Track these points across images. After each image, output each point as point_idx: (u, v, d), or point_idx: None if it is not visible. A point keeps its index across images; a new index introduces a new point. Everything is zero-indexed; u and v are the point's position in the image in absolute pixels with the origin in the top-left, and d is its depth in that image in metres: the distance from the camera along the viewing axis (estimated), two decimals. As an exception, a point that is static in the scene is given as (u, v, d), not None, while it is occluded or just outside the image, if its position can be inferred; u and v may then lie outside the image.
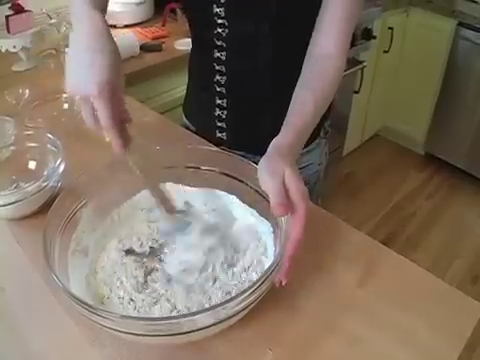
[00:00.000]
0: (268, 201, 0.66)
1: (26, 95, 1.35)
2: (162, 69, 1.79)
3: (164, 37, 1.96)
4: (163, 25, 2.07)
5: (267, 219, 0.75)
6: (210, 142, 1.08)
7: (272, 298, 0.66)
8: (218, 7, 0.96)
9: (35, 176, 0.92)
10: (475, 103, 3.01)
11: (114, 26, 1.99)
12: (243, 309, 0.56)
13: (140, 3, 2.03)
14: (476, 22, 2.86)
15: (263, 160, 0.71)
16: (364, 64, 2.64)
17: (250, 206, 0.79)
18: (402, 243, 2.57)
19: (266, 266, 0.67)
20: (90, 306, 0.54)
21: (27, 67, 1.62)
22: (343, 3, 0.86)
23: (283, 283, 0.65)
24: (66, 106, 1.23)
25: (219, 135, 1.15)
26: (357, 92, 2.75)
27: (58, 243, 0.67)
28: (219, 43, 1.02)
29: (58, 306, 0.71)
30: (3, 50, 1.59)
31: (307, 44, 0.90)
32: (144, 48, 1.82)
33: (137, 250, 0.75)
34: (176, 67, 1.80)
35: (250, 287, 0.55)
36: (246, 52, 1.03)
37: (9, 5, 1.64)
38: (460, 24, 2.92)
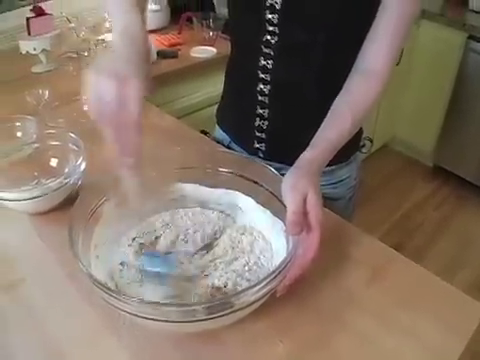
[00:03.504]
0: (282, 203, 0.70)
1: (46, 96, 1.39)
2: (178, 75, 1.83)
3: (180, 44, 2.00)
4: (179, 33, 2.11)
5: (280, 219, 0.77)
6: (246, 152, 1.10)
7: (282, 295, 0.69)
8: (271, 13, 0.93)
9: (56, 173, 0.96)
10: (484, 116, 3.03)
11: None
12: (261, 298, 0.60)
13: (157, 10, 2.07)
14: (486, 35, 2.88)
15: (290, 174, 0.74)
16: None
17: (264, 207, 0.82)
18: (409, 253, 2.51)
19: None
20: (113, 291, 0.58)
21: (46, 69, 1.66)
22: (397, 20, 0.85)
23: (277, 295, 0.68)
24: (86, 107, 1.26)
25: (257, 146, 1.11)
26: None
27: (81, 235, 0.70)
28: (267, 51, 0.98)
29: (77, 295, 0.75)
30: (23, 52, 1.64)
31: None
32: (161, 54, 1.86)
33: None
34: (192, 74, 1.85)
35: (269, 275, 0.59)
36: (295, 62, 0.99)
37: (30, 7, 1.68)
38: (470, 37, 2.94)
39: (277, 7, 0.91)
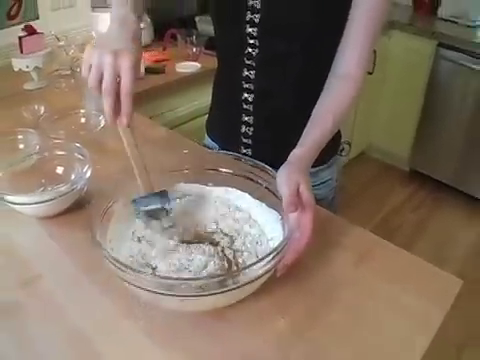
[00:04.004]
0: (277, 197, 0.80)
1: (41, 111, 1.46)
2: (165, 90, 1.91)
3: (165, 60, 2.09)
4: (164, 49, 2.20)
5: (275, 210, 0.86)
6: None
7: (281, 276, 0.77)
8: (251, 27, 1.02)
9: (62, 180, 1.02)
10: (456, 121, 3.15)
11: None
12: (265, 273, 0.68)
13: (142, 28, 2.15)
14: (455, 42, 3.01)
15: (283, 168, 0.84)
16: None
17: (260, 201, 0.91)
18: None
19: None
20: (135, 269, 0.66)
21: (38, 86, 1.72)
22: (366, 26, 0.95)
23: (278, 274, 0.76)
24: (83, 120, 1.33)
25: (244, 151, 1.19)
26: None
27: (98, 231, 0.77)
28: (249, 62, 1.08)
29: (93, 287, 0.82)
30: (16, 69, 1.70)
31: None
32: (148, 70, 1.94)
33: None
34: (178, 88, 1.93)
35: (273, 250, 0.69)
36: (275, 71, 1.07)
37: (22, 27, 1.75)
38: (440, 45, 3.07)
39: (256, 21, 1.01)
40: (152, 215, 0.85)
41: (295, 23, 0.99)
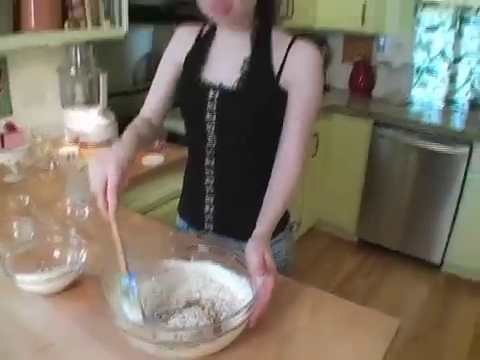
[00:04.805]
0: (245, 266, 1.04)
1: (27, 202, 1.62)
2: (133, 181, 2.04)
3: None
4: (129, 144, 2.40)
5: (244, 277, 1.07)
6: (198, 231, 1.42)
7: (251, 329, 0.98)
8: (210, 125, 1.29)
9: (59, 263, 1.20)
10: (397, 192, 3.48)
11: (85, 144, 2.21)
12: (242, 323, 0.88)
13: (106, 125, 2.35)
14: (389, 120, 3.38)
15: (250, 242, 1.09)
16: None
17: (231, 270, 1.12)
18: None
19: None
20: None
21: (18, 179, 1.88)
22: (301, 120, 1.24)
23: (250, 325, 0.97)
24: (69, 210, 1.51)
25: (207, 227, 1.42)
26: None
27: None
28: (209, 153, 1.34)
29: (102, 348, 0.98)
30: (-1, 163, 1.88)
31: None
32: None
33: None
34: (145, 179, 2.09)
35: (245, 306, 0.90)
36: (229, 160, 1.34)
37: (4, 124, 1.94)
38: (376, 123, 3.43)
39: (213, 121, 1.29)
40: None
41: (242, 124, 1.27)
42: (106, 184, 1.01)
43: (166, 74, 1.41)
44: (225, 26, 1.28)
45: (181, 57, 1.37)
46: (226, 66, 1.27)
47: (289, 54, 1.23)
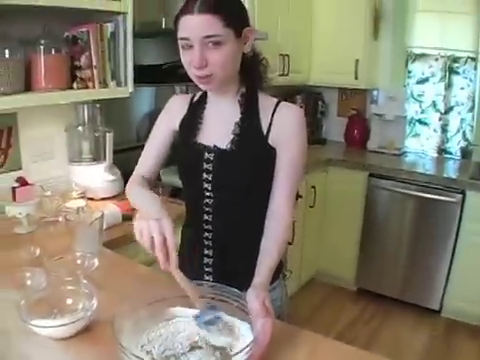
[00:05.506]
0: (246, 312, 1.11)
1: (37, 253, 1.69)
2: None
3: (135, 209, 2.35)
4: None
5: (246, 321, 1.14)
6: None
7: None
8: (207, 184, 1.40)
9: (71, 309, 1.27)
10: (394, 241, 3.55)
11: (92, 199, 2.33)
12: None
13: (113, 180, 2.46)
14: (384, 171, 3.49)
15: (252, 290, 1.17)
16: (294, 220, 2.98)
17: (233, 316, 1.19)
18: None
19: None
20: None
21: (28, 230, 1.96)
22: (288, 176, 1.36)
23: None
24: (79, 261, 1.58)
25: (206, 278, 1.49)
26: (291, 244, 3.14)
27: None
28: (207, 209, 1.44)
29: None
30: (10, 216, 1.96)
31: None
32: (123, 218, 2.15)
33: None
34: None
35: (245, 347, 0.97)
36: (226, 214, 1.43)
37: (16, 178, 2.05)
38: (371, 175, 3.53)
39: (210, 179, 1.40)
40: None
41: (237, 181, 1.38)
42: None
43: (159, 139, 1.55)
44: (213, 93, 1.42)
45: (175, 124, 1.52)
46: (219, 130, 1.41)
47: (275, 115, 1.37)
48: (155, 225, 1.14)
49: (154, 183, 1.56)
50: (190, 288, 1.17)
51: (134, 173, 1.55)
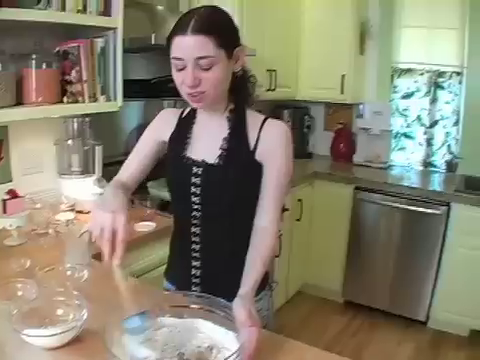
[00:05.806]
0: (233, 322, 1.13)
1: (27, 264, 1.71)
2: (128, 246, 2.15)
3: (125, 221, 2.38)
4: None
5: (231, 330, 1.16)
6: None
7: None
8: (195, 197, 1.44)
9: (62, 320, 1.29)
10: (380, 254, 3.59)
11: (81, 212, 2.34)
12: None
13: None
14: (370, 184, 3.54)
15: (238, 300, 1.21)
16: (280, 233, 2.98)
17: (219, 326, 1.21)
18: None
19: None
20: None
21: (18, 242, 1.97)
22: (274, 190, 1.41)
23: None
24: (69, 272, 1.60)
25: (194, 289, 1.52)
26: (278, 256, 3.16)
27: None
28: (195, 222, 1.47)
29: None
30: (0, 228, 1.96)
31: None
32: None
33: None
34: (138, 245, 2.16)
35: (232, 354, 0.99)
36: (213, 227, 1.47)
37: (6, 190, 2.06)
38: (357, 188, 3.58)
39: (197, 193, 1.44)
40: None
41: (224, 194, 1.42)
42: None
43: (146, 148, 1.58)
44: (203, 109, 1.46)
45: (162, 136, 1.56)
46: (207, 145, 1.45)
47: (262, 132, 1.41)
48: (109, 217, 1.17)
49: (134, 190, 1.59)
50: (125, 289, 1.19)
51: (114, 178, 1.57)
